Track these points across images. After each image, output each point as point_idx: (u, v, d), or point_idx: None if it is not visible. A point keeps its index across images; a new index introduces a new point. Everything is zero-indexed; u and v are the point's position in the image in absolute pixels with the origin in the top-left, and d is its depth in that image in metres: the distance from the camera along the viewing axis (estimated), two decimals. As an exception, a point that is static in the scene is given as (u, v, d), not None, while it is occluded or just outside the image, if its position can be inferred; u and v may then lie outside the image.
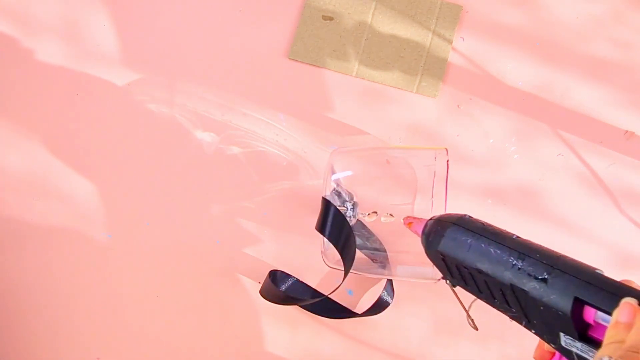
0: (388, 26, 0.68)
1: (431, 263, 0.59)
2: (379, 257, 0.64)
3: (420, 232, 0.46)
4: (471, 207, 0.66)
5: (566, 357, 0.35)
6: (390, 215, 0.62)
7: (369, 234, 0.64)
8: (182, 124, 0.69)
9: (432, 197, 0.60)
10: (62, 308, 0.69)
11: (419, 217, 0.50)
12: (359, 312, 0.65)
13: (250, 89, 0.69)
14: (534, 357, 0.41)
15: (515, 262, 0.37)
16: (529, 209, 0.66)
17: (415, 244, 0.63)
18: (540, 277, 0.35)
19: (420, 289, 0.66)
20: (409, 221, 0.50)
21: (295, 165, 0.68)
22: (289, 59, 0.69)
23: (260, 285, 0.66)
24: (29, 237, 0.69)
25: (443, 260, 0.42)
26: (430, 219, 0.45)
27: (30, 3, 0.72)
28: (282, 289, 0.65)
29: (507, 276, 0.37)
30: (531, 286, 0.35)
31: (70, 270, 0.69)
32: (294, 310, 0.66)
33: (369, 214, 0.62)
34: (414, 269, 0.63)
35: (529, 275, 0.35)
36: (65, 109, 0.70)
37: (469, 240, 0.40)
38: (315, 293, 0.66)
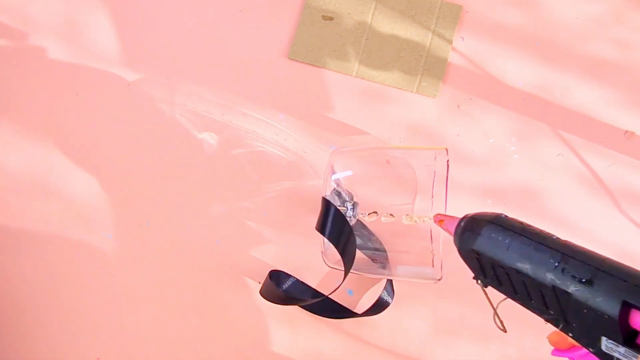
0: (388, 26, 0.68)
1: (431, 263, 0.59)
2: (379, 257, 0.64)
3: (452, 230, 0.45)
4: (471, 207, 0.66)
5: None
6: (391, 215, 0.62)
7: (369, 234, 0.64)
8: (182, 124, 0.69)
9: (432, 197, 0.60)
10: (62, 308, 0.69)
11: (450, 214, 0.48)
12: (359, 312, 0.65)
13: (250, 89, 0.69)
14: (549, 340, 0.40)
15: (557, 263, 0.36)
16: (529, 209, 0.66)
17: (415, 244, 0.64)
18: (584, 280, 0.34)
19: (420, 289, 0.66)
20: (440, 219, 0.48)
21: (295, 165, 0.68)
22: (289, 59, 0.69)
23: (260, 285, 0.66)
24: (28, 237, 0.69)
25: (477, 259, 0.41)
26: (464, 217, 0.44)
27: (30, 3, 0.72)
28: (282, 289, 0.65)
29: (549, 278, 0.36)
30: (575, 289, 0.34)
31: (70, 270, 0.69)
32: (294, 310, 0.66)
33: (369, 214, 0.62)
34: (414, 269, 0.63)
35: (573, 277, 0.35)
36: (65, 108, 0.70)
37: (507, 240, 0.39)
38: (315, 293, 0.66)
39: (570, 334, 0.36)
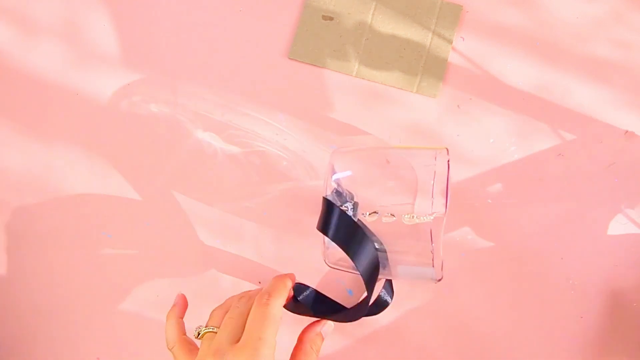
0: (388, 26, 0.68)
1: (431, 263, 0.59)
2: (379, 257, 0.64)
3: None
4: (471, 207, 0.66)
5: None
6: (391, 215, 0.62)
7: (369, 234, 0.64)
8: (182, 124, 0.69)
9: (432, 197, 0.60)
10: (61, 308, 0.69)
11: None
12: (359, 312, 0.65)
13: (250, 89, 0.69)
14: None
15: None
16: (529, 209, 0.66)
17: (415, 244, 0.64)
18: None
19: (420, 289, 0.66)
20: None
21: (295, 165, 0.68)
22: (289, 59, 0.69)
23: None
24: (28, 237, 0.69)
25: None
26: None
27: (30, 3, 0.72)
28: (299, 299, 0.63)
29: None
30: None
31: (69, 270, 0.69)
32: (294, 310, 0.66)
33: (369, 214, 0.62)
34: (414, 269, 0.63)
35: None
36: (65, 108, 0.70)
37: None
38: (334, 305, 0.64)
39: None
